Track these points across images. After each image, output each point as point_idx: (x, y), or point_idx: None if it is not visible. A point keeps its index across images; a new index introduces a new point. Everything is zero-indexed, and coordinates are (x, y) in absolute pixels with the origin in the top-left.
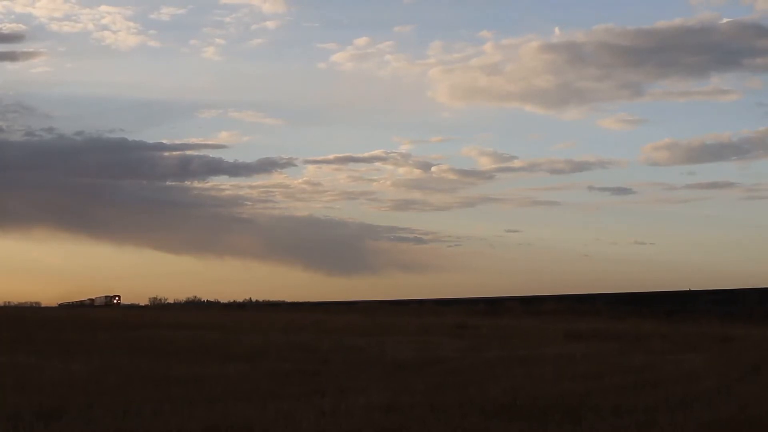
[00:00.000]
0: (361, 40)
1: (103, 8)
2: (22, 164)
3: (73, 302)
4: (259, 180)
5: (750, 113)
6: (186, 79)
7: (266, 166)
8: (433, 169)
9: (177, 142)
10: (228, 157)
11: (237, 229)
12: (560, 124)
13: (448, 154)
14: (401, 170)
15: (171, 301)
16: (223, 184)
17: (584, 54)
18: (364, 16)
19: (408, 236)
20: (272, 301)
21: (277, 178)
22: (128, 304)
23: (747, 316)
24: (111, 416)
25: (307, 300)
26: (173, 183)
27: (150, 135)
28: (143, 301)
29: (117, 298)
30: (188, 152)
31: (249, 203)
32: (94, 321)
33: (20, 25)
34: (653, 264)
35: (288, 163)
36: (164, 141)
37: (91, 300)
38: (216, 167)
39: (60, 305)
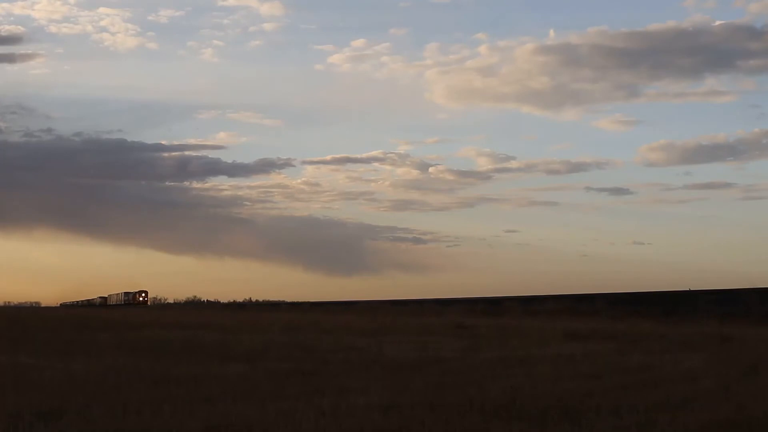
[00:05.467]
0: (358, 42)
1: (102, 10)
2: (22, 165)
3: (78, 302)
4: (258, 180)
5: (745, 114)
6: (184, 81)
7: (264, 166)
8: (430, 169)
9: (176, 143)
10: (226, 157)
11: (236, 230)
12: (556, 125)
13: (446, 154)
14: (399, 171)
15: (171, 301)
16: (222, 185)
17: (579, 56)
18: (360, 19)
19: (407, 236)
20: (272, 301)
21: (275, 178)
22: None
23: (746, 316)
24: (111, 416)
25: (307, 300)
26: (172, 183)
27: (149, 136)
28: None
29: (143, 295)
30: (187, 153)
31: (248, 203)
32: (94, 321)
33: (19, 26)
34: (651, 264)
35: (286, 164)
36: (163, 142)
37: (103, 298)
38: (215, 168)
39: (62, 305)
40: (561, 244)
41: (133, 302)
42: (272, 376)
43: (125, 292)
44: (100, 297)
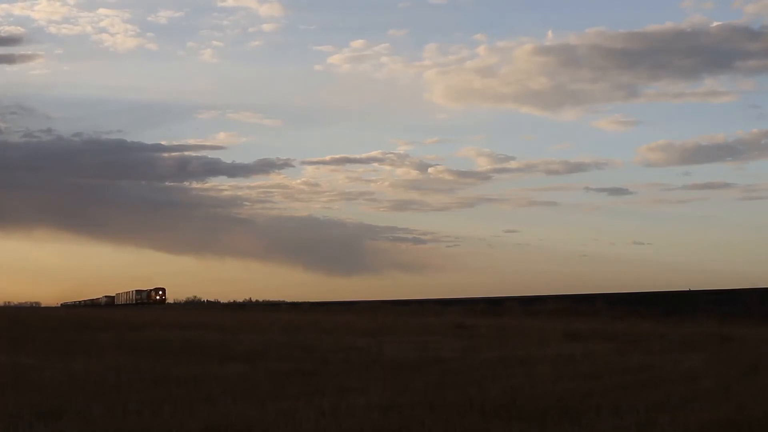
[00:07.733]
0: (357, 43)
1: (102, 11)
2: (22, 165)
3: (80, 302)
4: (258, 181)
5: (744, 115)
6: (184, 81)
7: (264, 166)
8: (430, 170)
9: (175, 143)
10: (226, 158)
11: (236, 230)
12: (556, 126)
13: (445, 155)
14: (399, 171)
15: (171, 301)
16: (222, 185)
17: (578, 56)
18: (359, 19)
19: (407, 236)
20: (272, 301)
21: (275, 178)
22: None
23: (746, 316)
24: (111, 416)
25: (307, 300)
26: (172, 183)
27: (148, 136)
28: None
29: (160, 293)
30: (187, 153)
31: (248, 204)
32: (94, 321)
33: (19, 27)
34: (651, 264)
35: (286, 164)
36: (163, 142)
37: (109, 298)
38: (214, 168)
39: (62, 305)
40: (561, 244)
41: (147, 301)
42: (272, 376)
43: (137, 290)
44: (105, 296)
